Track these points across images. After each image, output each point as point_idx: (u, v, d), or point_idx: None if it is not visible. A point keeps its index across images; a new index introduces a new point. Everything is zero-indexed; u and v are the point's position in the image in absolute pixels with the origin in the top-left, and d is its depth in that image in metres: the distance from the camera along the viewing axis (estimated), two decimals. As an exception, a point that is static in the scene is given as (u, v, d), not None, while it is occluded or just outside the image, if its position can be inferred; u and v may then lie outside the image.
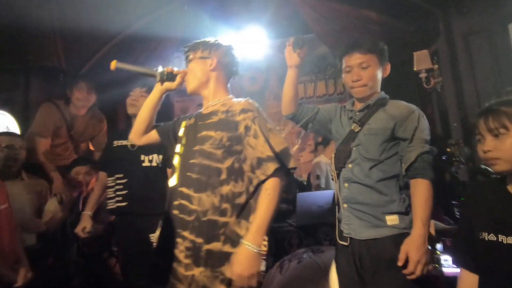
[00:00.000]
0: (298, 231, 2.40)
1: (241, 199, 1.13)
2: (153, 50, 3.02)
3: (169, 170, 1.81)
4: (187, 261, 1.11)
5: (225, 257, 1.09)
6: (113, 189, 1.96)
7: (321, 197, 2.38)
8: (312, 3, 3.01)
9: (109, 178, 1.99)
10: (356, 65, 1.31)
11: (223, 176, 1.14)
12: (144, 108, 1.34)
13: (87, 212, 2.04)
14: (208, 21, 3.16)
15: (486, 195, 0.95)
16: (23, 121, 2.59)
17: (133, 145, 1.98)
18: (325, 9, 3.04)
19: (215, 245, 1.10)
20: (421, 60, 2.78)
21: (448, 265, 1.79)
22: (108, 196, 1.99)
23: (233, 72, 1.34)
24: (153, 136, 1.38)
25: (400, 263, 1.14)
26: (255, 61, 3.90)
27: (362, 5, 2.94)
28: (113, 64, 1.18)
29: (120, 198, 1.91)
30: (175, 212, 1.17)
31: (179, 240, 1.13)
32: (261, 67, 4.10)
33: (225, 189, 1.13)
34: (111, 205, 1.95)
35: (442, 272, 1.45)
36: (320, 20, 3.07)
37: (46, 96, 2.77)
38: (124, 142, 2.01)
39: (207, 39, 1.29)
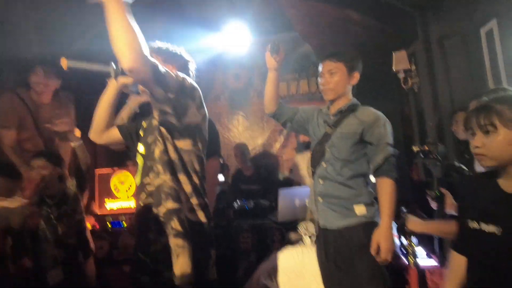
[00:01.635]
0: (280, 227, 2.43)
1: (165, 157, 1.19)
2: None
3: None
4: (157, 235, 1.17)
5: (175, 213, 1.16)
6: None
7: (302, 192, 2.41)
8: (295, 3, 3.04)
9: None
10: (326, 72, 1.49)
11: (154, 138, 1.22)
12: (101, 106, 1.33)
13: None
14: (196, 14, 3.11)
15: (477, 186, 1.00)
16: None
17: None
18: (308, 8, 3.07)
19: (165, 205, 1.17)
20: (400, 61, 2.88)
21: (422, 257, 1.89)
22: None
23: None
24: (115, 135, 1.38)
25: (373, 252, 1.32)
26: (239, 58, 3.89)
27: (344, 6, 3.00)
28: (64, 63, 1.12)
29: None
30: (141, 203, 1.24)
31: (150, 222, 1.19)
32: (245, 64, 4.09)
33: (157, 151, 1.20)
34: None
35: (418, 264, 1.53)
36: (304, 19, 3.11)
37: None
38: None
39: (171, 48, 1.34)
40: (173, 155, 1.19)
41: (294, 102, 4.00)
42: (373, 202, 1.44)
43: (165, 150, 1.19)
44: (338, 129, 1.47)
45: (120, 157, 2.14)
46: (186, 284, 1.09)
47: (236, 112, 4.26)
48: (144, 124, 1.36)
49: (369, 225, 1.38)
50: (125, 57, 0.98)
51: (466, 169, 1.86)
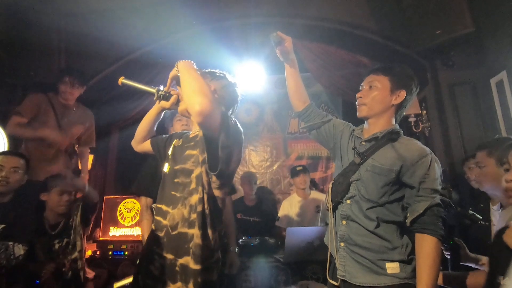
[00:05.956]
0: (285, 267, 2.33)
1: (200, 207, 1.11)
2: (155, 75, 3.08)
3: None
4: (163, 278, 1.11)
5: (193, 274, 1.06)
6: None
7: (311, 233, 2.34)
8: (309, 45, 3.20)
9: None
10: (365, 84, 1.28)
11: (193, 185, 1.13)
12: (143, 120, 1.43)
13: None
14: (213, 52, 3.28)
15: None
16: (15, 137, 2.52)
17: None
18: (321, 51, 3.22)
19: (186, 259, 1.08)
20: (410, 105, 2.92)
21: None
22: None
23: (229, 106, 1.33)
24: (148, 146, 1.45)
25: None
26: (251, 94, 4.02)
27: (356, 51, 3.14)
28: (120, 80, 1.28)
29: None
30: (153, 227, 1.22)
31: (155, 256, 1.15)
32: (257, 100, 4.21)
33: (194, 198, 1.12)
34: None
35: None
36: (317, 61, 3.24)
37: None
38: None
39: (214, 70, 1.33)
40: (206, 205, 1.11)
41: (305, 141, 4.05)
42: (411, 258, 1.13)
43: (202, 199, 1.10)
44: (370, 160, 1.17)
45: (129, 184, 2.16)
46: None
47: (246, 146, 4.31)
48: (174, 142, 1.34)
49: None
50: (196, 102, 1.00)
51: (480, 217, 1.80)
